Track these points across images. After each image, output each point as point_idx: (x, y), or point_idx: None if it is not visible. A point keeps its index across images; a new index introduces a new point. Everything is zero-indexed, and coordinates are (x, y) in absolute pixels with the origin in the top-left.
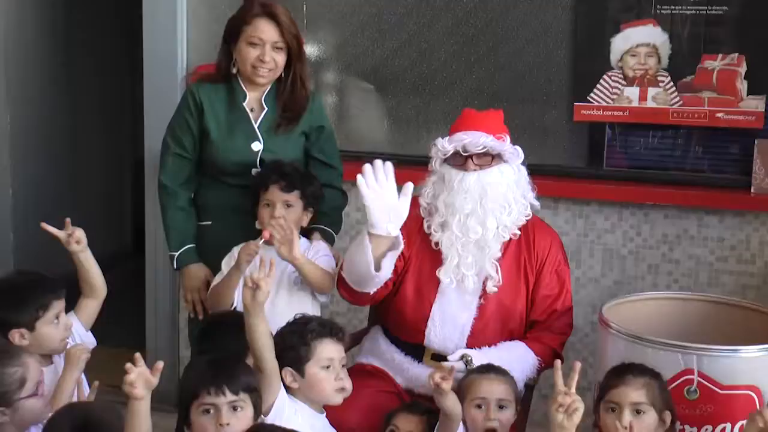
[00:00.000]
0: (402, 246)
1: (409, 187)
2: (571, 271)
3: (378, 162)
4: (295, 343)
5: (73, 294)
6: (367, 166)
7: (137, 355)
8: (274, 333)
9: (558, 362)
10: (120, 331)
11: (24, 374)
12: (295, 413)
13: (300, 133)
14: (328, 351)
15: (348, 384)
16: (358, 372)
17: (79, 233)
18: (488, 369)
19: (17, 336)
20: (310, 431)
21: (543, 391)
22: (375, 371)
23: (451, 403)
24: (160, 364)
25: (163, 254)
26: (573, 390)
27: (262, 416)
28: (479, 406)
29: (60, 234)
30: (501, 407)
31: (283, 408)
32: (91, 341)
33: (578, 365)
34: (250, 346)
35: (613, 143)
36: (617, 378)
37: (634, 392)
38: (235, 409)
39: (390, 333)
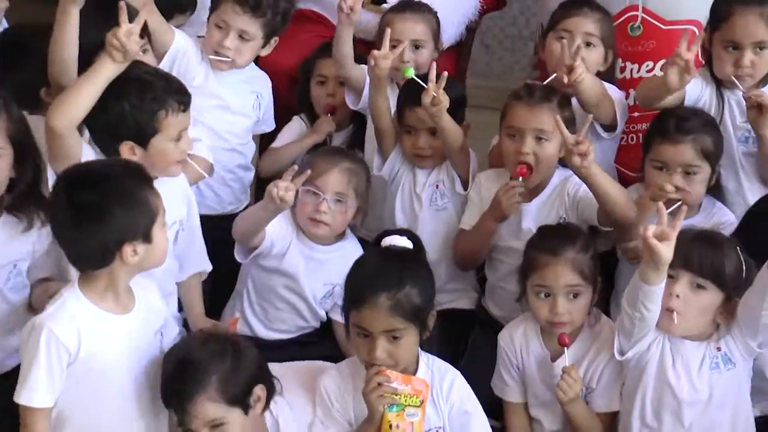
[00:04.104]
0: None
1: None
2: None
3: None
4: None
5: None
6: None
7: None
8: None
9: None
10: None
11: None
12: None
13: None
14: None
15: None
16: (297, 17)
17: None
18: (405, 6)
19: None
20: None
21: (486, 40)
22: (315, 16)
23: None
24: None
25: None
26: (582, 135)
27: None
28: (394, 46)
29: None
30: (417, 47)
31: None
32: None
33: (590, 118)
34: None
35: None
36: (575, 8)
37: (591, 24)
38: None
39: None
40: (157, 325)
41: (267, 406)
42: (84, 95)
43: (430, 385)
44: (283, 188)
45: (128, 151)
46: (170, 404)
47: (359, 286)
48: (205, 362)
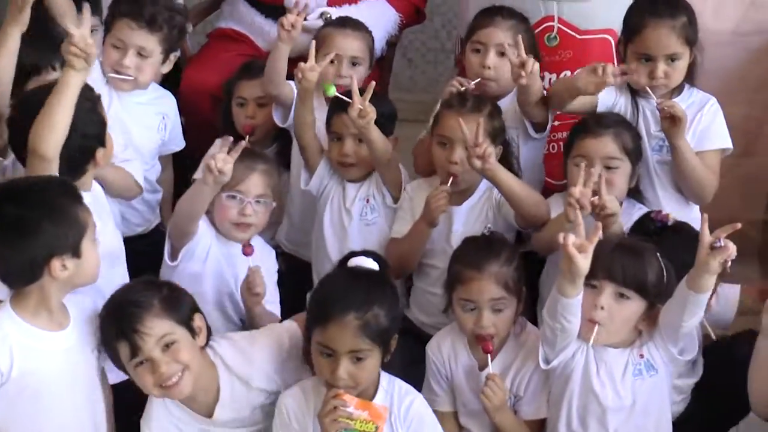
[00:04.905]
0: None
1: None
2: None
3: None
4: None
5: None
6: None
7: None
8: None
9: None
10: None
11: None
12: None
13: None
14: None
15: None
16: (218, 36)
17: None
18: (345, 23)
19: None
20: None
21: (408, 54)
22: (235, 35)
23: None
24: None
25: None
26: (481, 139)
27: None
28: (332, 62)
29: None
30: (354, 64)
31: None
32: None
33: (482, 122)
34: None
35: None
36: (486, 19)
37: (502, 33)
38: None
39: None
40: (94, 342)
41: (207, 342)
42: (61, 114)
43: (389, 408)
44: (221, 160)
45: (101, 157)
46: (118, 336)
47: (327, 304)
48: (144, 292)
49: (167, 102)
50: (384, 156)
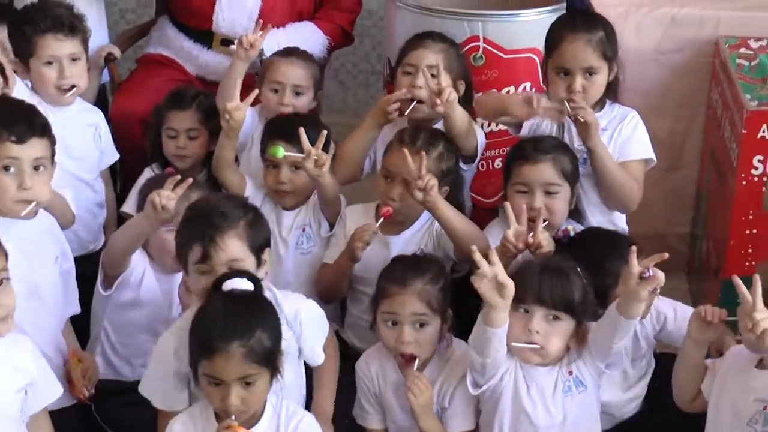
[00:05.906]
0: None
1: None
2: None
3: None
4: None
5: None
6: None
7: None
8: None
9: None
10: None
11: None
12: None
13: None
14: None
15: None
16: (147, 62)
17: None
18: (290, 52)
19: None
20: None
21: (340, 76)
22: (165, 60)
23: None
24: None
25: None
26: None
27: None
28: (275, 90)
29: None
30: (297, 93)
31: None
32: None
33: (424, 155)
34: None
35: None
36: (417, 41)
37: (432, 55)
38: None
39: (178, 21)
40: (21, 384)
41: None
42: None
43: (276, 428)
44: (165, 197)
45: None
46: (196, 238)
47: (209, 336)
48: (234, 210)
49: (95, 114)
50: (332, 194)
